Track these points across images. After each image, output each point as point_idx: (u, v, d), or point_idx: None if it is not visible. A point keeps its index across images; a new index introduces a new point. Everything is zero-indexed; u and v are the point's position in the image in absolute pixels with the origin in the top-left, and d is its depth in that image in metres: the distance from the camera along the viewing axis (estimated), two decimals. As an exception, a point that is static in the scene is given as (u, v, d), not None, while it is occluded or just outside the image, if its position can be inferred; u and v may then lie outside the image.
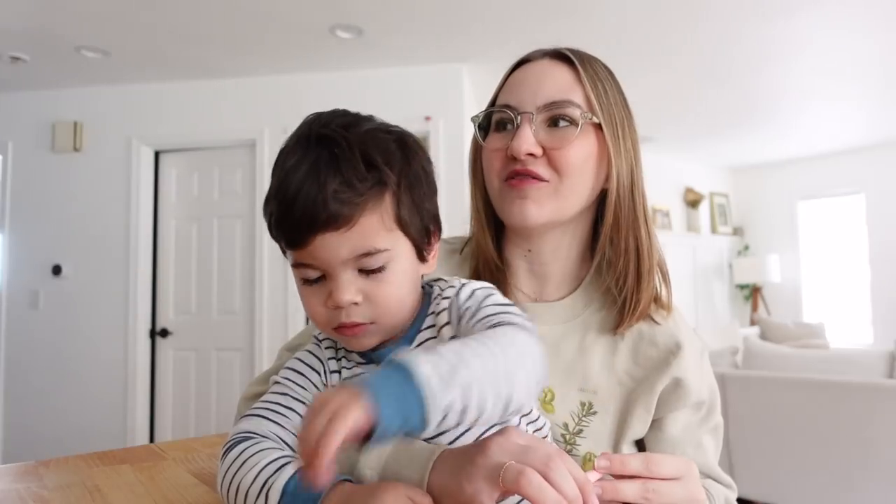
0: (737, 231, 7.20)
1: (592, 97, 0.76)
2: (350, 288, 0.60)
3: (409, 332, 0.67)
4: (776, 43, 3.53)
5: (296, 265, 0.62)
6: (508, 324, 0.58)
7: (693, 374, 0.77)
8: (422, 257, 0.67)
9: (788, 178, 6.81)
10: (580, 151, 0.76)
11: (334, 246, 0.59)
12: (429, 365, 0.47)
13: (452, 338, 0.64)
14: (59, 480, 0.85)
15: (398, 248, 0.62)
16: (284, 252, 0.64)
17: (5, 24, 3.11)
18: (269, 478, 0.56)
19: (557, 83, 0.77)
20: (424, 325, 0.67)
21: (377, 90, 3.73)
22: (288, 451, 0.62)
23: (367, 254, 0.60)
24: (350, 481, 0.57)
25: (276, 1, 2.94)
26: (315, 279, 0.62)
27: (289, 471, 0.56)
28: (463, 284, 0.66)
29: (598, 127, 0.77)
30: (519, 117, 0.76)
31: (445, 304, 0.65)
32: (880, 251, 6.14)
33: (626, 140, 0.78)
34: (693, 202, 6.61)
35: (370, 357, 0.68)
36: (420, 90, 3.74)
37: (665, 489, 0.58)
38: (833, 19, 3.23)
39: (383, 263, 0.61)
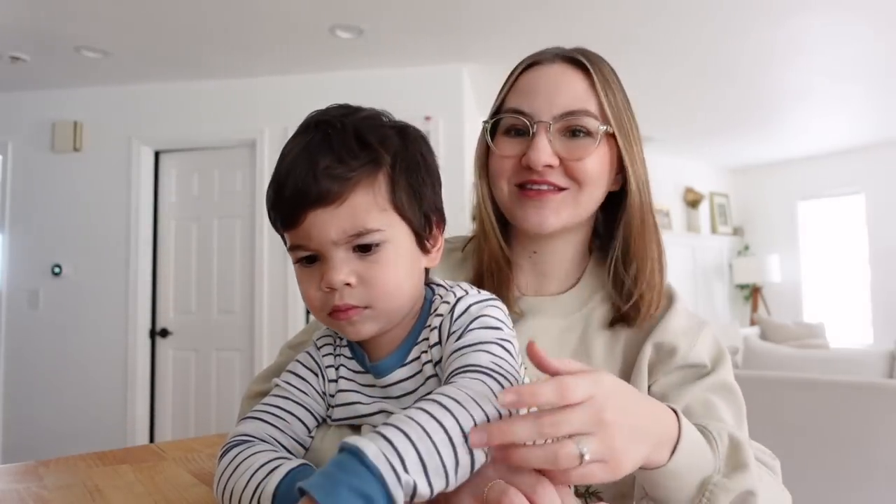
0: (737, 231, 7.19)
1: (606, 105, 0.77)
2: (343, 268, 0.59)
3: (405, 342, 0.66)
4: (776, 43, 3.53)
5: (291, 248, 0.62)
6: (468, 372, 0.55)
7: (681, 339, 0.76)
8: (423, 247, 0.66)
9: (788, 178, 6.81)
10: (598, 161, 0.77)
11: (325, 223, 0.58)
12: (376, 444, 0.45)
13: (437, 363, 0.63)
14: (59, 480, 0.85)
15: (394, 231, 0.61)
16: (284, 238, 0.64)
17: (5, 24, 3.10)
18: (261, 481, 0.56)
19: (572, 91, 0.77)
20: (420, 338, 0.66)
21: (377, 90, 3.72)
22: (283, 453, 0.61)
23: (359, 233, 0.59)
24: None
25: (276, 1, 2.94)
26: (309, 260, 0.61)
27: (280, 473, 0.56)
28: (459, 298, 0.64)
29: (611, 135, 0.77)
30: (535, 126, 0.76)
31: (437, 321, 0.64)
32: (880, 251, 6.14)
33: (636, 144, 0.80)
34: (693, 202, 6.61)
35: (367, 367, 0.67)
36: (420, 90, 3.74)
37: (564, 418, 0.47)
38: (833, 20, 3.23)
39: (377, 243, 0.60)
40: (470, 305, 0.63)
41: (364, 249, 0.60)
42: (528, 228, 0.78)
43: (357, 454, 0.44)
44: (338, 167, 0.58)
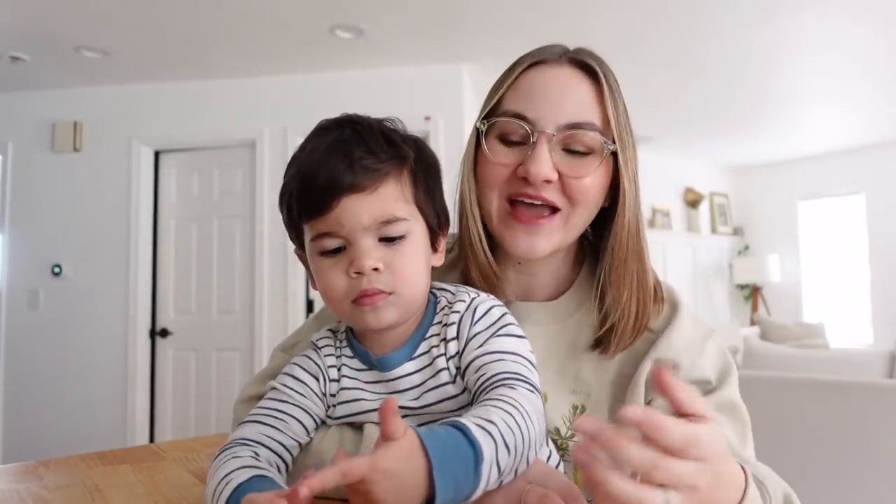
0: (737, 231, 7.19)
1: (612, 119, 0.72)
2: (372, 253, 0.62)
3: (413, 337, 0.67)
4: (776, 43, 3.53)
5: (315, 237, 0.63)
6: (520, 381, 0.59)
7: (684, 354, 0.73)
8: (433, 245, 0.69)
9: (788, 178, 6.81)
10: (597, 181, 0.73)
11: (357, 210, 0.61)
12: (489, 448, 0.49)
13: (451, 357, 0.64)
14: (59, 480, 0.85)
15: (415, 224, 0.65)
16: (298, 235, 0.66)
17: (5, 24, 3.11)
18: (218, 490, 0.56)
19: (579, 100, 0.72)
20: (429, 333, 0.67)
21: (377, 90, 3.73)
22: (252, 462, 0.60)
23: (388, 221, 0.62)
24: None
25: (276, 1, 2.94)
26: (335, 250, 0.63)
27: (231, 486, 0.55)
28: (474, 299, 0.67)
29: (613, 153, 0.73)
30: (536, 135, 0.71)
31: (455, 318, 0.65)
32: (880, 251, 6.14)
33: (633, 161, 0.75)
34: (693, 202, 6.61)
35: (371, 363, 0.68)
36: (420, 90, 3.74)
37: (677, 468, 0.42)
38: (833, 19, 3.23)
39: (403, 233, 0.63)
40: (491, 308, 0.66)
41: (389, 240, 0.63)
42: (517, 254, 0.74)
43: (476, 460, 0.47)
44: (370, 158, 0.62)
